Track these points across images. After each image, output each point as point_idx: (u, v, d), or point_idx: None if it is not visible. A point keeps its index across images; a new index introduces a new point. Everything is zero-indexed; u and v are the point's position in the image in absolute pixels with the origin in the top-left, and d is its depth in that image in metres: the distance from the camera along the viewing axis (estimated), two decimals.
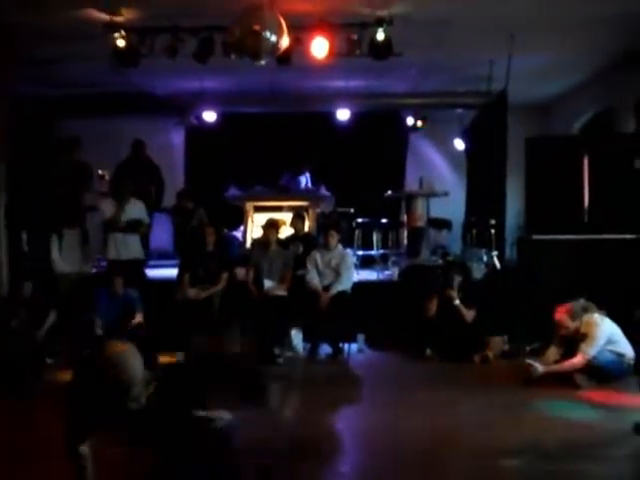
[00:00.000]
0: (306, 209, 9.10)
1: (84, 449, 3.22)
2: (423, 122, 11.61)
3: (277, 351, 6.93)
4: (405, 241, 10.15)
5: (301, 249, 8.06)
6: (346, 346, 7.20)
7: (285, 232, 8.46)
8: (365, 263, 9.89)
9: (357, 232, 9.87)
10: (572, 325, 5.81)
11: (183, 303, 7.27)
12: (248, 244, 8.97)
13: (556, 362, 5.81)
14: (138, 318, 7.03)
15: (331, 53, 7.34)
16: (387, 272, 9.28)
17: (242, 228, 9.58)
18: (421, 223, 9.95)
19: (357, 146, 11.89)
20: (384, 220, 10.03)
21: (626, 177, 7.72)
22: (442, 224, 10.22)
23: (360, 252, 9.90)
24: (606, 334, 5.72)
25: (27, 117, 9.04)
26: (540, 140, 8.45)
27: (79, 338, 6.78)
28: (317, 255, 7.46)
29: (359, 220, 9.92)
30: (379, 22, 7.17)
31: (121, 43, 7.25)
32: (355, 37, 7.31)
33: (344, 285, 7.34)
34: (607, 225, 7.52)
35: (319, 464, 4.06)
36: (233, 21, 6.46)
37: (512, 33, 7.57)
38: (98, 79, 9.24)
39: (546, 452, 4.17)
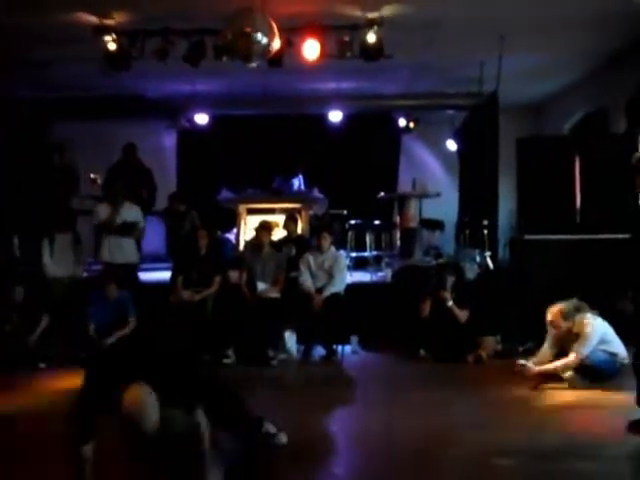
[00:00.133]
0: (299, 211, 9.08)
1: (86, 450, 3.26)
2: (415, 124, 11.65)
3: (271, 353, 6.93)
4: (398, 242, 10.14)
5: (294, 251, 8.05)
6: (340, 348, 7.19)
7: (278, 234, 8.44)
8: (358, 264, 9.90)
9: (350, 234, 9.88)
10: (565, 325, 5.80)
11: (177, 305, 7.26)
12: (241, 246, 8.95)
13: (549, 362, 5.81)
14: (131, 322, 7.05)
15: (322, 55, 7.37)
16: (380, 273, 9.29)
17: (235, 230, 9.55)
18: (414, 224, 9.96)
19: (349, 148, 11.93)
20: (377, 221, 10.05)
21: (618, 177, 7.74)
22: (435, 225, 10.23)
23: (353, 254, 9.91)
24: (599, 334, 5.72)
25: (19, 120, 9.00)
26: (531, 140, 8.48)
27: (73, 342, 6.79)
28: (310, 257, 7.45)
29: (352, 222, 9.93)
30: (370, 24, 7.21)
31: (112, 46, 7.24)
32: (346, 39, 7.35)
33: (337, 287, 7.34)
34: (599, 225, 7.53)
35: (313, 466, 4.05)
36: (224, 24, 6.47)
37: (502, 34, 7.60)
38: (90, 82, 9.23)
39: (540, 452, 4.17)
